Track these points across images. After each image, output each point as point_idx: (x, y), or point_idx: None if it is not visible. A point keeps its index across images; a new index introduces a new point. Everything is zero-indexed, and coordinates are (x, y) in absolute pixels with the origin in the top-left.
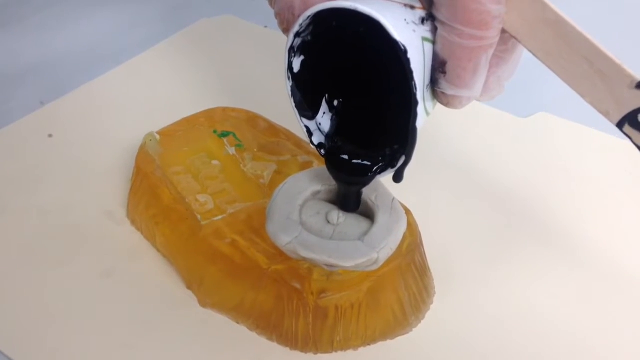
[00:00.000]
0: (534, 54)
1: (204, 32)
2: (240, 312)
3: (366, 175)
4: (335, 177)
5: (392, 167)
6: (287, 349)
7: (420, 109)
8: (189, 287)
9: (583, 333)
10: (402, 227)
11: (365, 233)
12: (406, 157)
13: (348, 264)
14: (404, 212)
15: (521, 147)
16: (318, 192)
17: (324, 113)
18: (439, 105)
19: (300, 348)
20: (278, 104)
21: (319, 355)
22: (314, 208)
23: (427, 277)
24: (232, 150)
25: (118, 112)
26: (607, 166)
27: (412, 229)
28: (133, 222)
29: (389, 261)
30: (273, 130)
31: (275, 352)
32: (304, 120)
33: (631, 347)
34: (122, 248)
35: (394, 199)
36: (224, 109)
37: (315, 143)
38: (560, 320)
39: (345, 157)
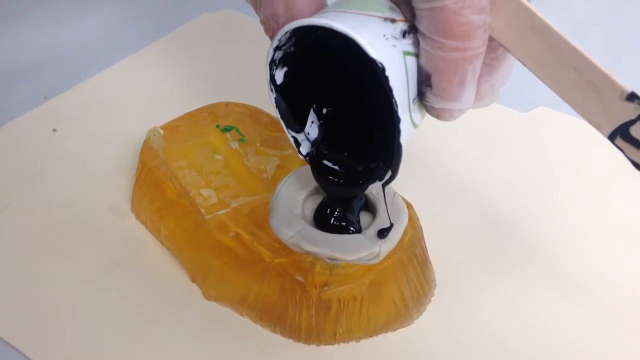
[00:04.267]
0: (522, 63)
1: (205, 27)
2: (244, 305)
3: (352, 186)
4: (320, 185)
5: (380, 179)
6: (291, 340)
7: (405, 123)
8: (193, 280)
9: (581, 324)
10: (404, 221)
11: (367, 227)
12: (392, 172)
13: (350, 257)
14: (405, 206)
15: (521, 141)
16: None
17: (312, 122)
18: None
19: (303, 340)
20: None
21: (322, 347)
22: (316, 202)
23: (427, 270)
24: (235, 145)
25: (122, 106)
26: (607, 161)
27: (413, 223)
28: (137, 216)
29: (390, 254)
30: (275, 125)
31: (279, 344)
32: (291, 131)
33: (627, 350)
34: (127, 241)
35: (395, 193)
36: (227, 104)
37: (304, 153)
38: (559, 310)
39: (330, 164)
